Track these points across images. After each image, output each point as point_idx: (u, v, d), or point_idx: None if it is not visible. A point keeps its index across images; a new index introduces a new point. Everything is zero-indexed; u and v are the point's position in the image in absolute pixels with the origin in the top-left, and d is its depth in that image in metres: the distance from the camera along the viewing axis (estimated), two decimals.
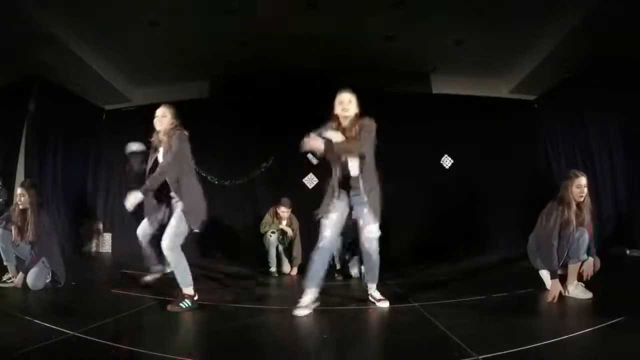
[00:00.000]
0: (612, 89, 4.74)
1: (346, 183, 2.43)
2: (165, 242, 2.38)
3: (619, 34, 4.22)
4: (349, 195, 2.45)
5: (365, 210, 2.38)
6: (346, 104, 2.47)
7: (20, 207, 2.99)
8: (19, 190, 3.04)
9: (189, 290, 2.45)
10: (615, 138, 4.77)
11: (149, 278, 2.77)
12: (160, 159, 2.62)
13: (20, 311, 2.25)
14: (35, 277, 2.87)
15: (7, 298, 2.70)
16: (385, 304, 2.49)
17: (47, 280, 2.97)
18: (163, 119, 2.67)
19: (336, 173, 2.44)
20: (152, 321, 2.19)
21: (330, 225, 2.39)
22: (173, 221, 2.46)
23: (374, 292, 2.58)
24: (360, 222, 2.43)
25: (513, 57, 5.38)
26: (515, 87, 5.93)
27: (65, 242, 5.46)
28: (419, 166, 5.50)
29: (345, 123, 2.46)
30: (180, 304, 2.37)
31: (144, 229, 2.66)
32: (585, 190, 2.59)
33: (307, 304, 2.32)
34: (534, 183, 5.39)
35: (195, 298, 2.46)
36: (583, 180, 2.59)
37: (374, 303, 2.53)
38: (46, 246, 2.97)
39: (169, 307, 2.35)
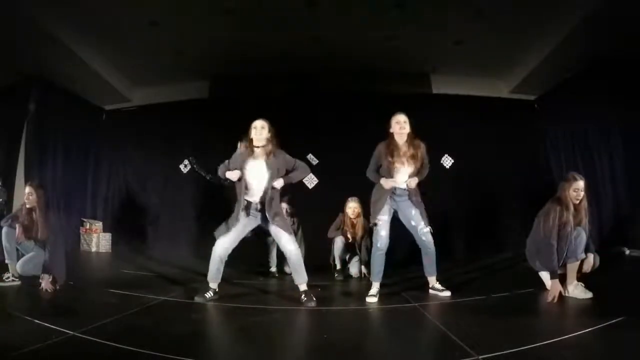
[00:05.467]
0: (611, 89, 4.74)
1: (394, 191, 2.80)
2: (292, 247, 2.69)
3: (619, 34, 4.22)
4: (395, 201, 2.82)
5: (414, 211, 2.79)
6: (402, 124, 2.82)
7: (28, 206, 3.01)
8: (27, 189, 3.06)
9: (305, 285, 2.72)
10: (615, 138, 4.77)
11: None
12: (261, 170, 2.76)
13: (20, 311, 2.24)
14: (26, 263, 2.91)
15: (7, 298, 2.70)
16: (447, 294, 2.73)
17: (40, 273, 2.97)
18: (262, 131, 2.78)
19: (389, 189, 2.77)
20: (152, 321, 2.19)
21: (385, 227, 2.76)
22: (285, 227, 2.71)
23: (435, 283, 2.83)
24: (412, 223, 2.80)
25: (513, 57, 5.37)
26: (515, 87, 5.93)
27: (66, 242, 5.48)
28: None
29: (400, 141, 2.83)
30: (313, 298, 2.62)
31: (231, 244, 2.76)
32: (582, 193, 2.61)
33: (375, 293, 2.72)
34: (534, 183, 5.39)
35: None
36: (581, 183, 2.61)
37: (436, 294, 2.77)
38: (53, 246, 2.98)
39: (310, 305, 2.56)
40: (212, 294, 2.72)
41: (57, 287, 2.87)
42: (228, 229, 2.72)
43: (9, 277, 3.00)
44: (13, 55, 4.71)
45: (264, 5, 4.37)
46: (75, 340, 1.71)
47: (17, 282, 3.03)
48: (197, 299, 2.66)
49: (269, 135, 2.78)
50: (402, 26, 4.78)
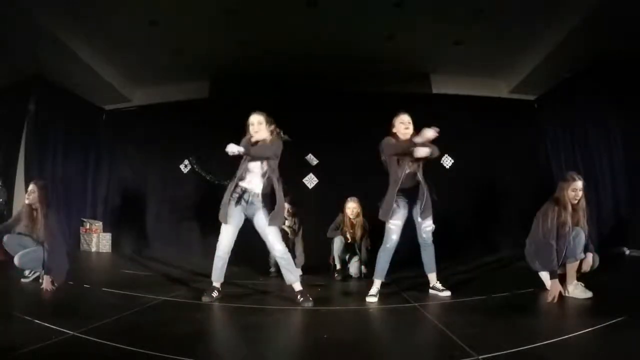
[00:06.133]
0: (611, 89, 4.74)
1: (407, 187, 2.78)
2: (280, 247, 2.66)
3: (619, 34, 4.23)
4: (406, 202, 2.80)
5: (424, 208, 2.77)
6: (407, 124, 2.80)
7: (27, 202, 3.06)
8: (30, 187, 3.10)
9: (299, 285, 2.69)
10: (615, 138, 4.76)
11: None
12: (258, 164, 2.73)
13: (20, 311, 2.24)
14: (24, 255, 2.96)
15: (7, 298, 2.70)
16: (447, 294, 2.74)
17: (37, 273, 3.02)
18: (260, 126, 2.74)
19: (399, 180, 2.74)
20: (152, 321, 2.19)
21: (397, 232, 2.76)
22: (276, 224, 2.68)
23: (435, 283, 2.85)
24: (419, 219, 2.79)
25: (513, 57, 5.37)
26: (515, 87, 5.93)
27: (67, 242, 5.48)
28: None
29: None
30: (309, 297, 2.60)
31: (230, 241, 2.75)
32: (580, 193, 2.62)
33: (375, 293, 2.71)
34: (534, 183, 5.39)
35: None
36: (579, 184, 2.62)
37: (436, 294, 2.78)
38: (52, 246, 3.00)
39: (307, 305, 2.54)
40: (217, 294, 2.72)
41: (55, 286, 2.88)
42: (225, 215, 2.68)
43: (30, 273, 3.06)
44: (13, 55, 4.72)
45: (264, 5, 4.37)
46: (75, 340, 1.71)
47: (38, 273, 3.08)
48: (205, 299, 2.64)
49: (268, 127, 2.74)
50: (402, 26, 4.79)
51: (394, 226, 2.76)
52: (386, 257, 2.79)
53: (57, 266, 2.97)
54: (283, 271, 2.76)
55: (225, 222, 2.68)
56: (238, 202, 2.70)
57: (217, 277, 2.75)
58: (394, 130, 2.85)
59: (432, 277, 2.87)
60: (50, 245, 2.96)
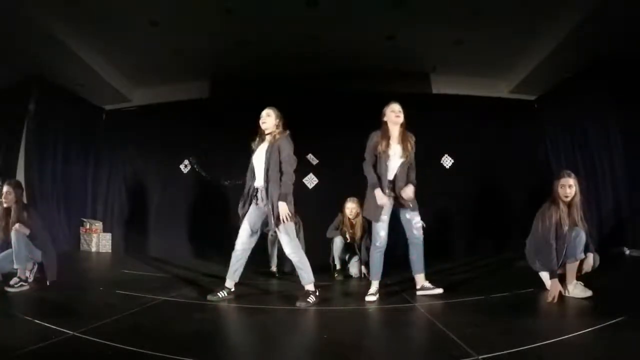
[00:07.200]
0: (611, 89, 4.74)
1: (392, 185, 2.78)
2: (288, 247, 2.66)
3: (619, 34, 4.22)
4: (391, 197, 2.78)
5: (411, 204, 2.76)
6: (397, 112, 2.80)
7: (5, 205, 3.00)
8: (5, 189, 3.02)
9: (311, 286, 2.67)
10: (615, 138, 4.77)
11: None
12: (262, 156, 2.72)
13: (20, 311, 2.25)
14: (2, 260, 2.90)
15: (7, 298, 2.70)
16: (439, 291, 2.74)
17: (31, 273, 2.99)
18: (267, 118, 2.76)
19: (385, 177, 2.75)
20: (152, 321, 2.19)
21: (384, 227, 2.75)
22: (284, 228, 2.66)
23: (424, 282, 2.80)
24: (407, 216, 2.77)
25: (513, 57, 5.38)
26: (515, 87, 5.93)
27: (63, 241, 5.48)
28: (419, 166, 5.47)
29: (395, 131, 2.81)
30: (308, 300, 2.57)
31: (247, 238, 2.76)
32: (570, 190, 2.60)
33: (374, 292, 2.71)
34: (534, 183, 5.38)
35: (317, 293, 2.67)
36: (568, 180, 2.62)
37: (426, 293, 2.75)
38: (42, 242, 2.99)
39: (297, 304, 2.53)
40: (225, 294, 2.71)
41: (48, 283, 2.89)
42: (241, 218, 2.74)
43: (17, 282, 2.97)
44: (13, 55, 4.72)
45: (264, 5, 4.37)
46: (75, 340, 1.72)
47: (26, 287, 2.88)
48: (209, 297, 2.65)
49: (277, 121, 2.76)
50: (402, 26, 4.79)
51: (380, 221, 2.75)
52: (379, 258, 2.78)
53: (50, 261, 2.97)
54: (297, 269, 2.75)
55: (241, 222, 2.75)
56: (252, 201, 2.74)
57: (230, 274, 2.74)
58: (385, 118, 2.85)
59: (421, 278, 2.81)
60: (41, 242, 2.96)
